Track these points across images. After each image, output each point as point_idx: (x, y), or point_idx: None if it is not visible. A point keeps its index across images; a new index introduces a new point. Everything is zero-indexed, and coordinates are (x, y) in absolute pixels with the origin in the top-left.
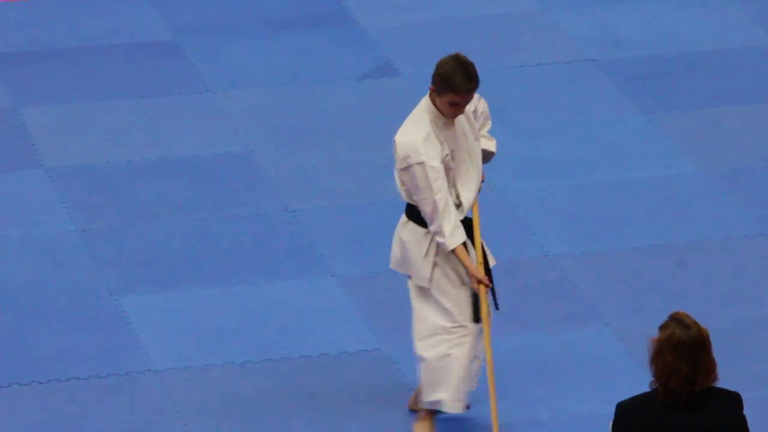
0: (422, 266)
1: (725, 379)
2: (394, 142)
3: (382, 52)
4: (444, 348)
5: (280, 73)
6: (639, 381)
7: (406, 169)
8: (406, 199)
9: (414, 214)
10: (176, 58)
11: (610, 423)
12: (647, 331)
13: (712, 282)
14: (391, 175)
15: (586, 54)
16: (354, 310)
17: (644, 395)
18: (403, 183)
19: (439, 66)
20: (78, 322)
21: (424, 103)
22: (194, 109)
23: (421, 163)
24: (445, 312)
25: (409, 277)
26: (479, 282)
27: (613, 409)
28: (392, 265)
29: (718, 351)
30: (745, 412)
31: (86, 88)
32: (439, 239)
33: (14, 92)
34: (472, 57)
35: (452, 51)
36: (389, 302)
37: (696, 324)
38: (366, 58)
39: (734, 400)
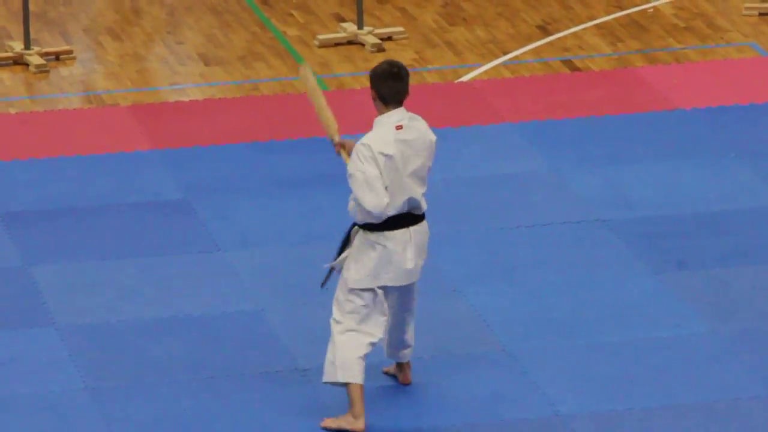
0: None
1: None
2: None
3: None
4: None
5: (290, 232)
6: None
7: None
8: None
9: None
10: (186, 217)
11: None
12: None
13: None
14: None
15: (596, 214)
16: None
17: None
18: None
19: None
20: None
21: None
22: (204, 267)
23: None
24: None
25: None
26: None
27: None
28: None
29: None
30: None
31: (97, 247)
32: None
33: (26, 250)
34: (481, 216)
35: (462, 211)
36: None
37: None
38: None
39: None
